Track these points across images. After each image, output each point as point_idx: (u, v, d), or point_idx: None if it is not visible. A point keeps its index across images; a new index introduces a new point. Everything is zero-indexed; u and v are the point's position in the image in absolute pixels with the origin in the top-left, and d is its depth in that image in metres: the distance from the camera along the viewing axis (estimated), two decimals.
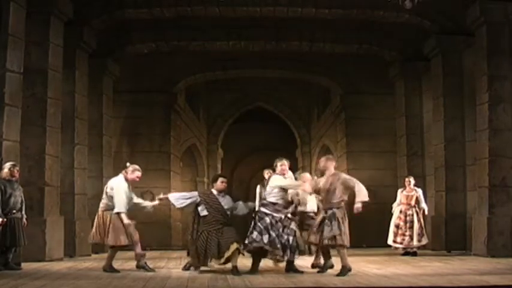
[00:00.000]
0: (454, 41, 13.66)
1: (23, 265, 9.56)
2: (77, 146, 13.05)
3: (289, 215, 8.76)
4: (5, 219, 9.01)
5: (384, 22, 14.08)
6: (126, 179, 9.24)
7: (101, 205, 9.21)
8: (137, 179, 9.37)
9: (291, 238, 8.52)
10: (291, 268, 8.71)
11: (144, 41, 15.41)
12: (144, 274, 8.66)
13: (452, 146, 13.82)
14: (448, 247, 13.43)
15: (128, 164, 9.44)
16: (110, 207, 9.09)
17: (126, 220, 9.06)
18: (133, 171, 9.27)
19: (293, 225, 8.68)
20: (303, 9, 13.43)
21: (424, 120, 15.81)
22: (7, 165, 9.37)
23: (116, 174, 15.69)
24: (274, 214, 8.58)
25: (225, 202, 8.95)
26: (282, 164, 8.89)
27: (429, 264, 10.06)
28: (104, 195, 9.23)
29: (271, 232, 8.44)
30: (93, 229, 9.24)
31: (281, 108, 23.40)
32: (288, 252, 8.48)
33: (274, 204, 8.63)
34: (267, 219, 8.51)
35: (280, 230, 8.51)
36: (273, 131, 25.30)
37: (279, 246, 8.42)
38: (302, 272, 8.65)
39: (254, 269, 8.62)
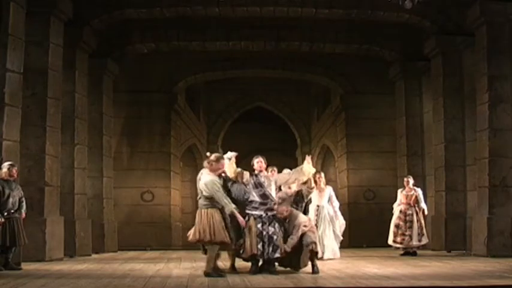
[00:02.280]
0: (454, 41, 13.66)
1: (23, 265, 9.56)
2: (77, 146, 13.05)
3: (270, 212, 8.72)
4: (4, 220, 9.01)
5: (384, 22, 14.09)
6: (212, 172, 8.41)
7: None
8: (222, 168, 8.48)
9: (274, 237, 8.54)
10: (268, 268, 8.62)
11: (144, 41, 15.42)
12: (145, 274, 8.65)
13: (452, 146, 13.82)
14: (448, 247, 13.42)
15: (208, 153, 8.79)
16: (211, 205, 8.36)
17: (240, 217, 8.39)
18: (217, 160, 8.42)
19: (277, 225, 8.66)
20: (303, 9, 13.44)
21: (424, 120, 15.81)
22: (5, 165, 9.35)
23: (116, 174, 15.92)
24: (254, 212, 8.65)
25: (234, 188, 8.72)
26: (259, 161, 8.92)
27: (429, 264, 10.06)
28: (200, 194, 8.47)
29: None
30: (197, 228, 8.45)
31: (281, 108, 23.40)
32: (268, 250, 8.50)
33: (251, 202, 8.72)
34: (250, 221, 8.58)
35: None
36: (273, 131, 25.30)
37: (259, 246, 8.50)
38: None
39: (254, 270, 8.62)
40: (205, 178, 8.33)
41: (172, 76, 17.75)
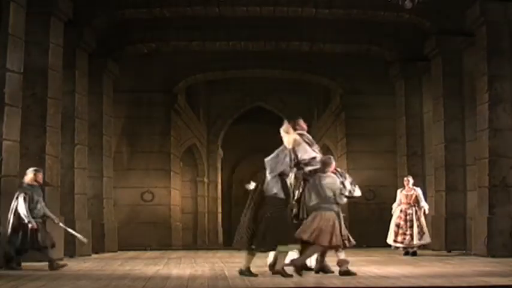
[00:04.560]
0: (454, 41, 13.66)
1: (23, 265, 9.56)
2: (77, 146, 13.05)
3: None
4: (37, 225, 9.09)
5: (384, 22, 14.09)
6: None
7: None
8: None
9: None
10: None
11: (144, 41, 15.44)
12: (144, 274, 8.64)
13: (452, 146, 13.82)
14: (448, 247, 13.42)
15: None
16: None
17: None
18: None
19: None
20: (303, 9, 13.45)
21: (424, 120, 15.81)
22: (30, 170, 9.38)
23: (116, 174, 15.93)
24: None
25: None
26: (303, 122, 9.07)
27: (429, 264, 10.06)
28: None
29: None
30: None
31: (281, 108, 23.41)
32: None
33: None
34: None
35: None
36: (273, 131, 25.28)
37: None
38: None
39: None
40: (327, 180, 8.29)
41: (172, 76, 17.76)
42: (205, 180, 23.17)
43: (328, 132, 20.28)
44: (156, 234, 16.58)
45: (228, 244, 22.40)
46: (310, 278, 8.09)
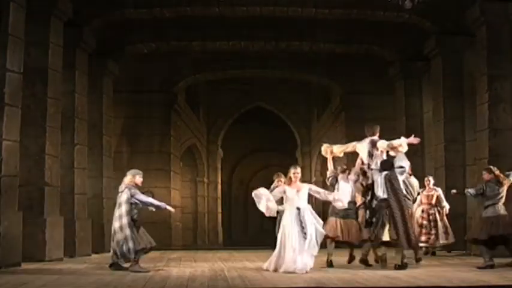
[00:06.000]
0: (454, 41, 13.66)
1: (23, 265, 9.56)
2: (77, 146, 13.05)
3: None
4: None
5: (384, 22, 14.09)
6: None
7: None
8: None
9: None
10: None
11: (144, 41, 15.44)
12: (144, 274, 8.63)
13: (452, 146, 13.82)
14: (448, 247, 13.40)
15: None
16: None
17: None
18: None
19: None
20: (303, 9, 13.45)
21: (424, 120, 15.81)
22: (130, 172, 9.67)
23: (116, 174, 15.89)
24: None
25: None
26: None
27: (429, 264, 10.07)
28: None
29: None
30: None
31: (281, 108, 23.42)
32: None
33: None
34: None
35: None
36: (273, 131, 25.35)
37: None
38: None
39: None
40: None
41: (172, 76, 17.77)
42: (205, 180, 23.18)
43: (328, 133, 20.27)
44: (156, 234, 16.49)
45: (228, 244, 22.47)
46: (310, 277, 8.09)
